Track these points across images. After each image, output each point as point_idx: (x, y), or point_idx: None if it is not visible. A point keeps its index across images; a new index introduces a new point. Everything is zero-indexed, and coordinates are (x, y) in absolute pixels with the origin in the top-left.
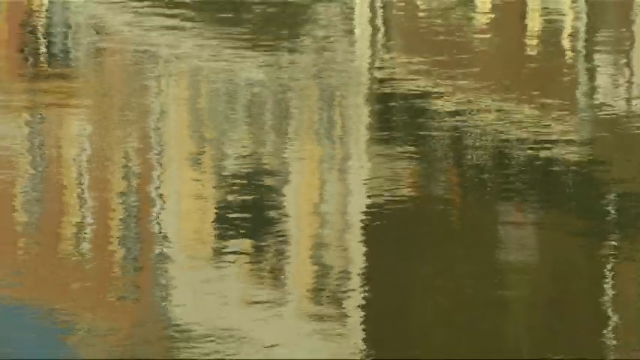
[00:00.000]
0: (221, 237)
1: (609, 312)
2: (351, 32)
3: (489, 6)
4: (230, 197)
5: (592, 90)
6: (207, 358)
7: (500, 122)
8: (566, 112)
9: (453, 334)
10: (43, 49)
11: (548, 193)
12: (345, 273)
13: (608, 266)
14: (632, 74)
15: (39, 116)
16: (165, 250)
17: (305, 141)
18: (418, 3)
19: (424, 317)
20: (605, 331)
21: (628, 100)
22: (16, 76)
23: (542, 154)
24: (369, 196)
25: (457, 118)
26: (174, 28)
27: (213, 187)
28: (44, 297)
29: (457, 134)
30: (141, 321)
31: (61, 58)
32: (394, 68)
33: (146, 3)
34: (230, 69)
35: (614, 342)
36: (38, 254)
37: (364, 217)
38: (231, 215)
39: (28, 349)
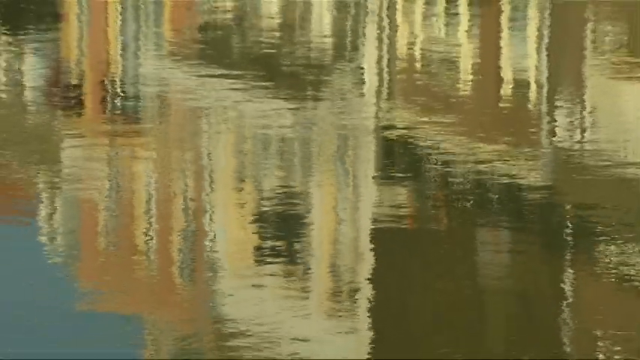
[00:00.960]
0: (260, 251)
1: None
2: (362, 88)
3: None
4: (267, 217)
5: (554, 128)
6: (249, 352)
7: (482, 162)
8: (534, 150)
9: (458, 325)
10: (115, 98)
11: (517, 216)
12: (358, 280)
13: (571, 277)
14: (588, 112)
15: (114, 154)
16: (216, 263)
17: (325, 176)
18: (418, 64)
19: (424, 318)
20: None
21: (584, 135)
22: (93, 122)
23: (513, 183)
24: (374, 218)
25: (448, 158)
26: (220, 77)
27: (253, 209)
28: (121, 304)
29: (447, 171)
30: (197, 321)
31: (131, 109)
32: (395, 119)
33: (194, 60)
34: (265, 117)
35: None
36: (115, 267)
37: (372, 233)
38: (267, 235)
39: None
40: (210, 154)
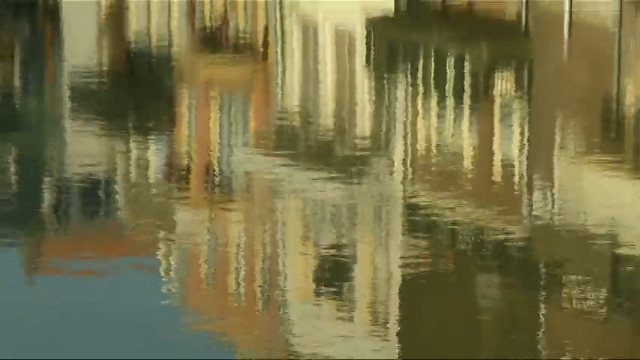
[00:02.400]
0: (317, 288)
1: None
2: (392, 171)
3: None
4: (324, 263)
5: (533, 199)
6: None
7: (479, 222)
8: (517, 215)
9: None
10: (213, 178)
11: (505, 262)
12: (389, 310)
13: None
14: (557, 190)
15: (212, 217)
16: (285, 295)
17: (365, 234)
18: (431, 153)
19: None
20: None
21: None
22: (197, 195)
23: (503, 239)
24: (401, 265)
25: (455, 220)
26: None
27: (314, 256)
28: (216, 325)
29: (453, 229)
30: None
31: (226, 186)
32: (415, 192)
33: (271, 149)
34: (321, 192)
35: None
36: (214, 297)
37: (400, 277)
38: (324, 277)
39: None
40: (283, 217)
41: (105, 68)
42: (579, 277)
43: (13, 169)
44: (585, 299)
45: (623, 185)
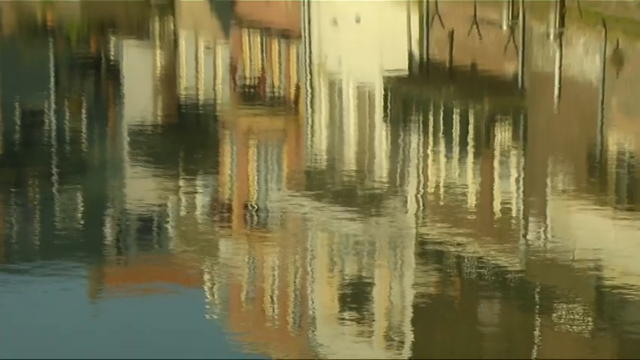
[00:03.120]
0: (342, 308)
1: None
2: (406, 209)
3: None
4: (346, 288)
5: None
6: None
7: (483, 252)
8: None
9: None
10: (253, 216)
11: (504, 287)
12: (404, 328)
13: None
14: (550, 227)
15: (250, 248)
16: (315, 316)
17: (383, 262)
18: (439, 192)
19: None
20: None
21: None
22: (238, 230)
23: (502, 268)
24: (414, 291)
25: (462, 251)
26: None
27: (338, 283)
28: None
29: (460, 258)
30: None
31: (262, 223)
32: (427, 227)
33: (303, 190)
34: (345, 227)
35: None
36: (254, 318)
37: (413, 299)
38: (347, 299)
39: None
40: (311, 248)
41: (159, 119)
42: (569, 301)
43: (80, 206)
44: (575, 321)
45: (606, 221)
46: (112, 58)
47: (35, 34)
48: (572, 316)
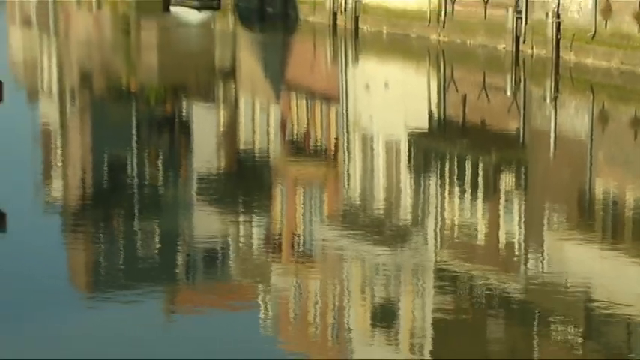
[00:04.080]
0: (374, 324)
1: None
2: (427, 244)
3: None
4: (377, 308)
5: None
6: None
7: (490, 279)
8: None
9: None
10: (299, 249)
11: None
12: (425, 343)
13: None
14: (546, 258)
15: (295, 275)
16: (351, 335)
17: (407, 289)
18: (452, 229)
19: None
20: None
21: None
22: (287, 261)
23: (509, 293)
24: (433, 311)
25: (473, 280)
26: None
27: (370, 306)
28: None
29: (472, 286)
30: None
31: (307, 254)
32: (442, 257)
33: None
34: (372, 257)
35: None
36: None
37: (432, 318)
38: (377, 318)
39: None
40: (347, 274)
41: (222, 168)
42: (562, 319)
43: (156, 239)
44: (565, 333)
45: (597, 256)
46: (183, 116)
47: (121, 96)
48: (563, 329)
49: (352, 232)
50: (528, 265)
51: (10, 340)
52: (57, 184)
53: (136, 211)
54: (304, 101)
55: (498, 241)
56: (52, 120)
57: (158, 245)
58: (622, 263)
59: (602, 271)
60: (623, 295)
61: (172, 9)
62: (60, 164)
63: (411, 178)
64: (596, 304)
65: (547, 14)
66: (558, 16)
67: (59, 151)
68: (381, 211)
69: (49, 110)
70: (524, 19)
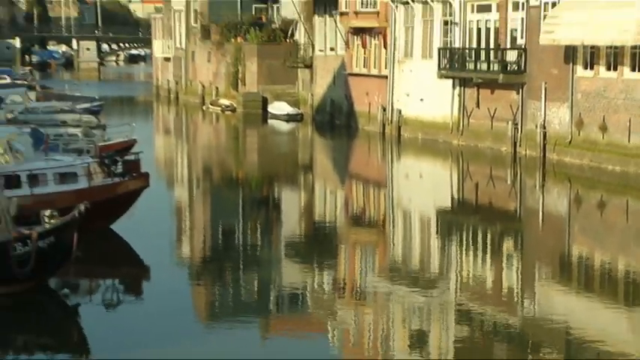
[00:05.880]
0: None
1: None
2: (448, 288)
3: None
4: (413, 336)
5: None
6: None
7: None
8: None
9: None
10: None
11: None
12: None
13: None
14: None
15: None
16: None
17: (433, 321)
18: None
19: None
20: None
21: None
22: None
23: (505, 325)
24: (455, 338)
25: (482, 313)
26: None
27: (408, 333)
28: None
29: (481, 321)
30: None
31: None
32: (457, 300)
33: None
34: (410, 297)
35: None
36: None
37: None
38: (415, 344)
39: None
40: (390, 311)
41: (304, 234)
42: (549, 344)
43: (253, 283)
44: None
45: (574, 298)
46: (275, 197)
47: (231, 183)
48: (549, 350)
49: (395, 280)
50: (524, 304)
51: (151, 351)
52: (186, 244)
53: (241, 263)
54: (361, 186)
55: (502, 287)
56: (183, 199)
57: (256, 287)
58: (592, 304)
59: (578, 308)
60: (593, 326)
61: (269, 121)
62: (188, 230)
63: (438, 242)
64: (573, 331)
65: (536, 125)
66: (544, 127)
67: (187, 221)
68: (417, 266)
69: (181, 193)
70: (520, 129)
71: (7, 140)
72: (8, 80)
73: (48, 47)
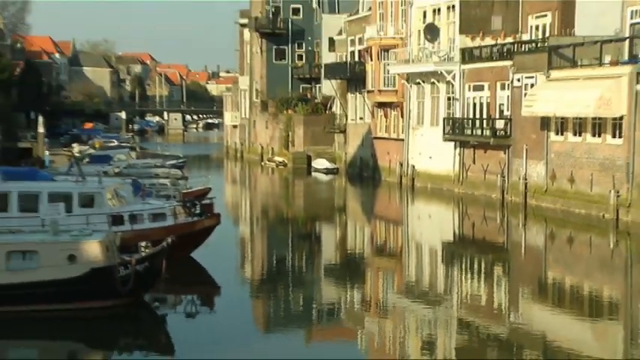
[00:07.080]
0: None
1: None
2: (452, 304)
3: None
4: (425, 346)
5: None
6: None
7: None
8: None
9: None
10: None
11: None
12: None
13: None
14: (519, 316)
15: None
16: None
17: (440, 335)
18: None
19: None
20: None
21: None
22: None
23: (498, 338)
24: (458, 339)
25: (480, 328)
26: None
27: (421, 345)
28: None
29: (482, 339)
30: None
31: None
32: (463, 328)
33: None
34: (423, 313)
35: None
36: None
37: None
38: (427, 347)
39: None
40: (408, 323)
41: (337, 261)
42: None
43: (298, 299)
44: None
45: (550, 314)
46: (316, 232)
47: (283, 220)
48: (533, 354)
49: (410, 298)
50: (510, 316)
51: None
52: (248, 268)
53: (290, 283)
54: (383, 224)
55: (493, 304)
56: (246, 233)
57: (301, 302)
58: (564, 316)
59: (553, 320)
60: (565, 333)
61: (312, 174)
62: (249, 257)
63: (443, 267)
64: (549, 337)
65: (519, 178)
66: (526, 179)
67: (249, 250)
68: (427, 286)
69: (244, 228)
70: (507, 181)
71: (114, 189)
72: (116, 143)
73: (146, 118)
